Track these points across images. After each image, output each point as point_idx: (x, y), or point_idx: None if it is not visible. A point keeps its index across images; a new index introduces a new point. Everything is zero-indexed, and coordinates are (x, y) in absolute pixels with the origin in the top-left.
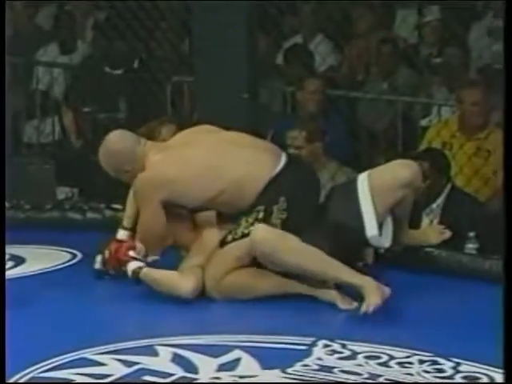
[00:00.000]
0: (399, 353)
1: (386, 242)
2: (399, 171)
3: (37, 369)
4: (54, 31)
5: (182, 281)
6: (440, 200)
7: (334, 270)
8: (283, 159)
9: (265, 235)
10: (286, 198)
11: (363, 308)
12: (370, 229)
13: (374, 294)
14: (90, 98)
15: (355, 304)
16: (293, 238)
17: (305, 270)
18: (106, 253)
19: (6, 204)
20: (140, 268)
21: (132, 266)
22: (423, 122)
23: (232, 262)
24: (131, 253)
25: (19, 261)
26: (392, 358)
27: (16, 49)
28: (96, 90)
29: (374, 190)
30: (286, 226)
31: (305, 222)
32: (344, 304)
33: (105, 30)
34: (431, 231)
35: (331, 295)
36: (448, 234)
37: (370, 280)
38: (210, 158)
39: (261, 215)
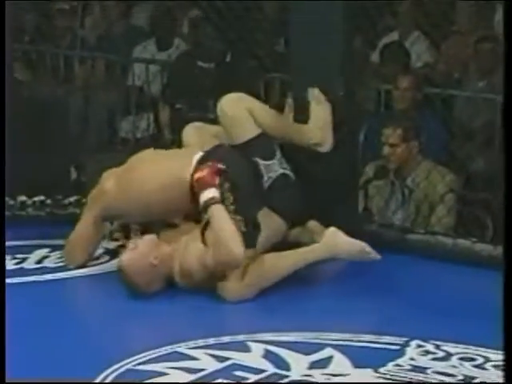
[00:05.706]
0: (495, 355)
1: None
2: None
3: (132, 361)
4: (151, 28)
5: (237, 244)
6: None
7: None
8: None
9: None
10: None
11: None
12: None
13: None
14: (183, 94)
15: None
16: None
17: None
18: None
19: None
20: (214, 200)
21: (209, 193)
22: None
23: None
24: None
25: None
26: (488, 360)
27: (111, 47)
28: (189, 86)
29: None
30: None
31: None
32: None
33: (201, 27)
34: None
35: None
36: None
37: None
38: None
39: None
